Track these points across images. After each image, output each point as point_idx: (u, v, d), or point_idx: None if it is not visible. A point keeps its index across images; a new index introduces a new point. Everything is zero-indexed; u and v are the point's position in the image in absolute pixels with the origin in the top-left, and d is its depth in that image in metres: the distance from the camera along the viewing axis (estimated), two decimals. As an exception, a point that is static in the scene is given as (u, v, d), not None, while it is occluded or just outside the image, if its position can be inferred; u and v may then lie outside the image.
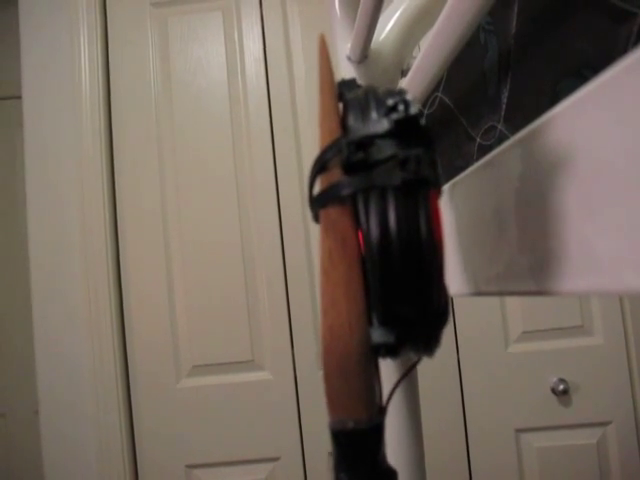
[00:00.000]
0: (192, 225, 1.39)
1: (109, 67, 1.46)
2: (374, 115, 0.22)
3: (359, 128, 0.22)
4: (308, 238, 1.38)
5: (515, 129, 0.31)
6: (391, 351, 0.23)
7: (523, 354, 1.32)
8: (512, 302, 1.34)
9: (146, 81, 1.44)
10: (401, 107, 0.21)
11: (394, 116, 0.21)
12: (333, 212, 0.23)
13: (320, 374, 1.34)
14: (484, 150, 0.36)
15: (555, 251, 0.22)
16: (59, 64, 1.43)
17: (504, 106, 0.33)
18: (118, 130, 1.43)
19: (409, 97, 0.21)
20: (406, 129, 0.21)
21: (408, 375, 0.36)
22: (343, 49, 0.47)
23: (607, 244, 0.18)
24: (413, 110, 0.21)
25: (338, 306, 0.22)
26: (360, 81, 0.46)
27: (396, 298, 0.22)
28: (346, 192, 0.22)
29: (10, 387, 2.03)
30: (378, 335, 0.22)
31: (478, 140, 0.37)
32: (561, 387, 1.27)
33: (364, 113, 0.22)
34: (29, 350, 1.93)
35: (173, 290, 1.38)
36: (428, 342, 0.23)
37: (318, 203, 0.24)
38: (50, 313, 1.36)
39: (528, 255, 0.24)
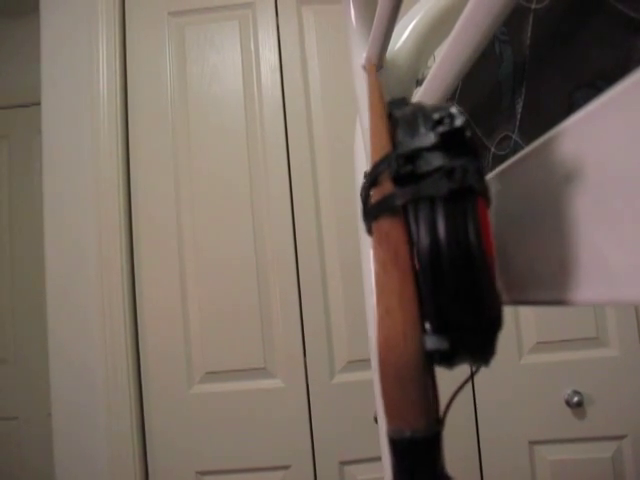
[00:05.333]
0: (206, 233, 1.40)
1: (126, 74, 1.48)
2: (422, 129, 0.23)
3: (408, 142, 0.23)
4: (321, 247, 1.38)
5: (530, 139, 0.31)
6: (446, 359, 0.23)
7: (537, 365, 1.31)
8: (526, 313, 1.33)
9: (163, 89, 1.46)
10: (447, 120, 0.22)
11: (440, 129, 0.22)
12: (385, 223, 0.24)
13: (332, 383, 1.34)
14: (498, 160, 0.36)
15: (570, 261, 0.22)
16: (78, 72, 1.45)
17: (519, 116, 0.33)
18: (134, 137, 1.45)
19: (454, 110, 0.22)
20: (452, 141, 0.22)
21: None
22: (358, 58, 0.47)
23: (622, 254, 0.18)
24: (458, 122, 0.21)
25: (393, 315, 0.23)
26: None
27: (448, 305, 0.22)
28: (396, 203, 0.23)
29: (23, 391, 2.05)
30: (432, 342, 0.23)
31: (493, 150, 0.37)
32: (575, 399, 1.26)
33: (412, 128, 0.23)
34: (43, 355, 1.95)
35: (186, 297, 1.39)
36: (483, 350, 0.23)
37: (371, 215, 0.24)
38: (64, 319, 1.37)
39: (542, 265, 0.24)
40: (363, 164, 0.51)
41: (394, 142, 0.24)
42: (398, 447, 0.23)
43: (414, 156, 0.22)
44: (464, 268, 0.21)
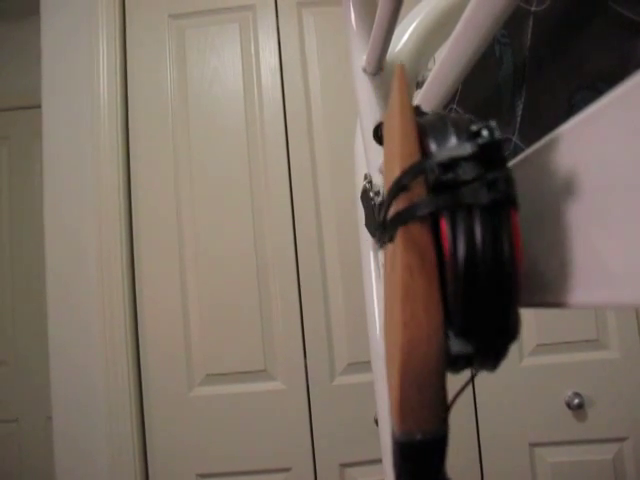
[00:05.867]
0: (206, 234, 1.40)
1: (127, 77, 1.48)
2: (454, 139, 0.23)
3: (442, 151, 0.23)
4: (321, 248, 1.38)
5: (530, 142, 0.31)
6: (467, 363, 0.24)
7: (537, 367, 1.31)
8: (526, 315, 1.32)
9: (163, 91, 1.46)
10: (485, 132, 0.22)
11: (480, 140, 0.22)
12: (414, 229, 0.24)
13: (332, 385, 1.34)
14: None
15: (569, 264, 0.22)
16: (78, 74, 1.45)
17: (519, 118, 0.33)
18: (135, 139, 1.45)
19: (493, 123, 0.22)
20: (488, 153, 0.22)
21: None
22: (359, 61, 0.47)
23: (621, 257, 0.18)
24: (498, 135, 0.22)
25: (418, 319, 0.23)
26: (376, 93, 0.46)
27: (477, 313, 0.22)
28: (430, 210, 0.23)
29: (23, 392, 2.05)
30: (457, 345, 0.23)
31: (493, 152, 0.37)
32: (576, 401, 1.26)
33: (445, 137, 0.23)
34: (44, 357, 1.95)
35: (187, 299, 1.39)
36: (497, 356, 0.23)
37: (399, 220, 0.24)
38: (64, 319, 1.37)
39: (542, 268, 0.24)
40: (363, 166, 0.51)
41: (422, 149, 0.25)
42: (405, 451, 0.24)
43: (450, 165, 0.23)
44: (498, 278, 0.22)
